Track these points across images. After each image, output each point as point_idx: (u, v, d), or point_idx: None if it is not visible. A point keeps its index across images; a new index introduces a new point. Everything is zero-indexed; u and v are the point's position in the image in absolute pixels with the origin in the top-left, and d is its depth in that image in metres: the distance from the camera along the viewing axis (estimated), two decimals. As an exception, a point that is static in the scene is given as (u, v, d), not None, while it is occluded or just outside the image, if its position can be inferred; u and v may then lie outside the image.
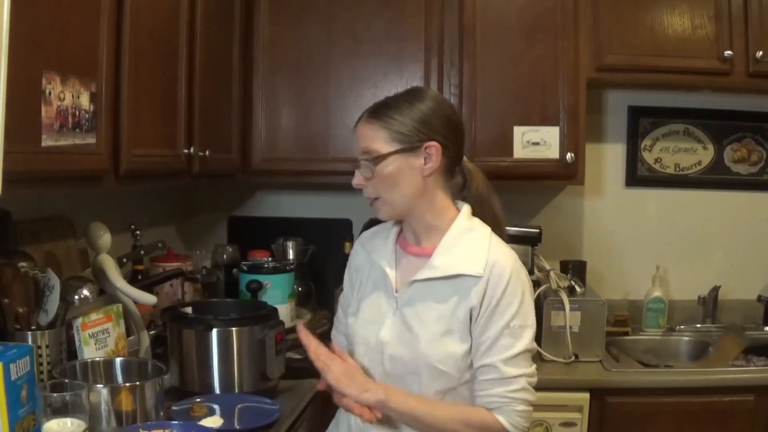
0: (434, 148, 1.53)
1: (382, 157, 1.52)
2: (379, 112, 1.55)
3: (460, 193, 1.64)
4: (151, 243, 2.31)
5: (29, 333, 1.61)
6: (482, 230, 1.58)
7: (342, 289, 1.77)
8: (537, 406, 1.56)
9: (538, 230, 2.60)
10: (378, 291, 1.62)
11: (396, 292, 1.58)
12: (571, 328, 2.46)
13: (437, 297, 1.53)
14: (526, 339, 1.50)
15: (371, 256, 1.66)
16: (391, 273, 1.60)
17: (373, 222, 1.76)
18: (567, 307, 2.46)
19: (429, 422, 1.50)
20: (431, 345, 1.51)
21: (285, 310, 2.42)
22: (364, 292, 1.65)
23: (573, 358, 2.46)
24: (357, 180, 1.57)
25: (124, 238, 2.29)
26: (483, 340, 1.49)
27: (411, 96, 1.57)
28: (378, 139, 1.53)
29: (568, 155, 2.59)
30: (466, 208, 1.60)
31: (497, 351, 1.48)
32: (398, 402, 1.50)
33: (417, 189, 1.54)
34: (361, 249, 1.72)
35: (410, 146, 1.52)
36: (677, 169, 3.03)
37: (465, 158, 1.64)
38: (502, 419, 1.48)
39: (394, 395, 1.50)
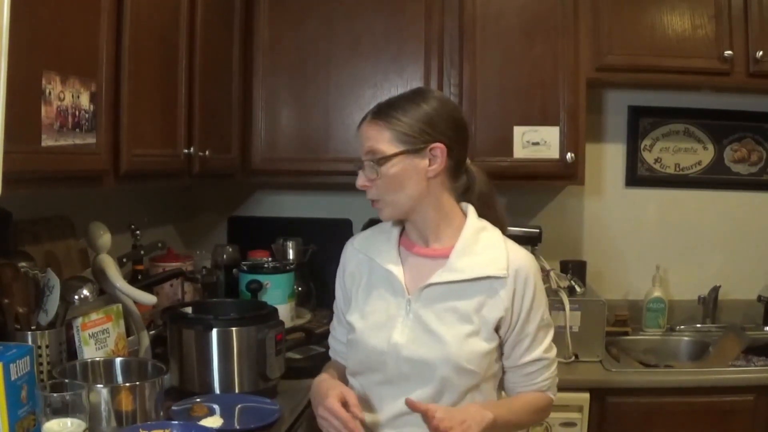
0: (439, 149, 1.51)
1: (387, 158, 1.50)
2: (384, 112, 1.53)
3: (464, 194, 1.62)
4: (151, 243, 2.31)
5: (29, 333, 1.61)
6: (494, 229, 1.60)
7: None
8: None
9: (538, 230, 2.60)
10: (383, 294, 1.59)
11: (408, 293, 1.56)
12: (571, 328, 2.46)
13: (460, 298, 1.53)
14: (552, 324, 1.63)
15: (374, 259, 1.62)
16: (399, 274, 1.57)
17: (374, 222, 1.76)
18: (567, 307, 2.46)
19: (516, 422, 1.56)
20: (458, 345, 1.50)
21: (285, 310, 2.42)
22: (366, 297, 1.62)
23: (573, 358, 2.46)
24: (361, 181, 1.55)
25: (124, 238, 2.29)
26: (522, 338, 1.56)
27: (416, 96, 1.55)
28: (383, 140, 1.51)
29: (568, 155, 2.59)
30: (472, 209, 1.60)
31: (538, 344, 1.58)
32: (500, 417, 1.50)
33: (421, 191, 1.53)
34: (356, 253, 1.68)
35: (415, 147, 1.50)
36: (677, 169, 3.03)
37: (468, 159, 1.62)
38: (551, 395, 1.63)
39: (494, 411, 1.49)
